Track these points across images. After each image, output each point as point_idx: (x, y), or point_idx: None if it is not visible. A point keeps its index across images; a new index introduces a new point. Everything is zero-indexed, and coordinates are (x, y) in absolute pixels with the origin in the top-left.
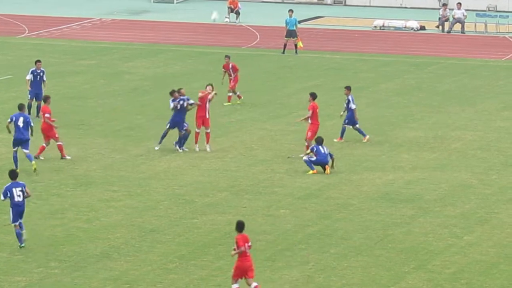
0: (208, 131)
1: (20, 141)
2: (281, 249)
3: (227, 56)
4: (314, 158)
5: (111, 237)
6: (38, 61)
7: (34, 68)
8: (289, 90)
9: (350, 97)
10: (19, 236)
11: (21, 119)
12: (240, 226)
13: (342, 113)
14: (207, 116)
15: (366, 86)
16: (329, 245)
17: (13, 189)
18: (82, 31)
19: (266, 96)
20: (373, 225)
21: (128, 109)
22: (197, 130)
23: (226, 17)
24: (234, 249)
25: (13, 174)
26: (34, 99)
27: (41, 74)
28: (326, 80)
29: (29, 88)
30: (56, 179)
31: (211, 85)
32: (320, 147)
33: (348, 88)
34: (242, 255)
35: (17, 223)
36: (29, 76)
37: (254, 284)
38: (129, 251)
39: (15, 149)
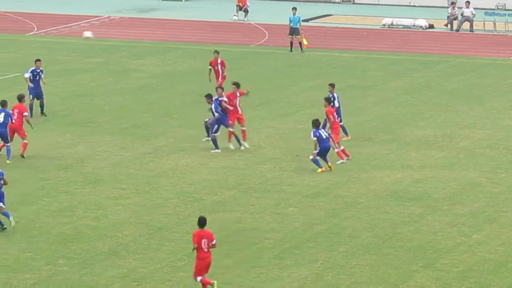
0: (244, 128)
1: (1, 135)
2: (289, 247)
3: (216, 52)
4: (318, 150)
5: (120, 235)
6: (38, 60)
7: (33, 68)
8: (297, 88)
9: (335, 95)
10: (5, 214)
11: (2, 114)
12: (200, 222)
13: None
14: (240, 112)
15: (375, 85)
16: (338, 243)
17: None
18: (90, 29)
19: (274, 94)
20: (382, 224)
21: (135, 107)
22: (230, 129)
23: (234, 15)
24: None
25: None
26: (35, 99)
27: (40, 73)
28: (334, 79)
29: (30, 85)
30: (65, 177)
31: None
32: (319, 131)
33: (332, 86)
34: (201, 252)
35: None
36: (27, 75)
37: (200, 278)
38: (137, 249)
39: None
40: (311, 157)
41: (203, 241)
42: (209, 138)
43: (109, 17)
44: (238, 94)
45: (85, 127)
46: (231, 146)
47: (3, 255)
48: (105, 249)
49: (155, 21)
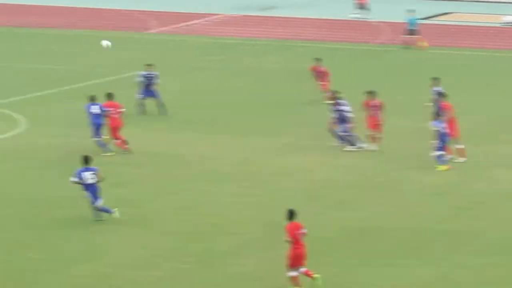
0: (377, 135)
1: (98, 126)
2: (414, 246)
3: (318, 59)
4: (440, 144)
5: (241, 233)
6: (150, 64)
7: (145, 72)
8: (416, 86)
9: (440, 89)
10: (106, 210)
11: (95, 107)
12: (291, 215)
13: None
14: (378, 120)
15: (496, 83)
16: (463, 243)
17: (84, 173)
18: (210, 27)
19: (393, 93)
20: (508, 223)
21: (256, 105)
22: (367, 132)
23: (354, 13)
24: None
25: (86, 160)
26: (151, 97)
27: (153, 77)
28: (454, 77)
29: (140, 90)
30: (186, 174)
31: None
32: (441, 124)
33: (436, 79)
34: (296, 243)
35: (98, 203)
36: (140, 79)
37: (303, 268)
38: (259, 247)
39: (98, 136)
40: (435, 153)
41: (297, 232)
42: (341, 144)
43: (228, 14)
44: (374, 104)
45: (205, 126)
46: (364, 146)
47: (126, 253)
48: (226, 247)
49: (275, 19)
